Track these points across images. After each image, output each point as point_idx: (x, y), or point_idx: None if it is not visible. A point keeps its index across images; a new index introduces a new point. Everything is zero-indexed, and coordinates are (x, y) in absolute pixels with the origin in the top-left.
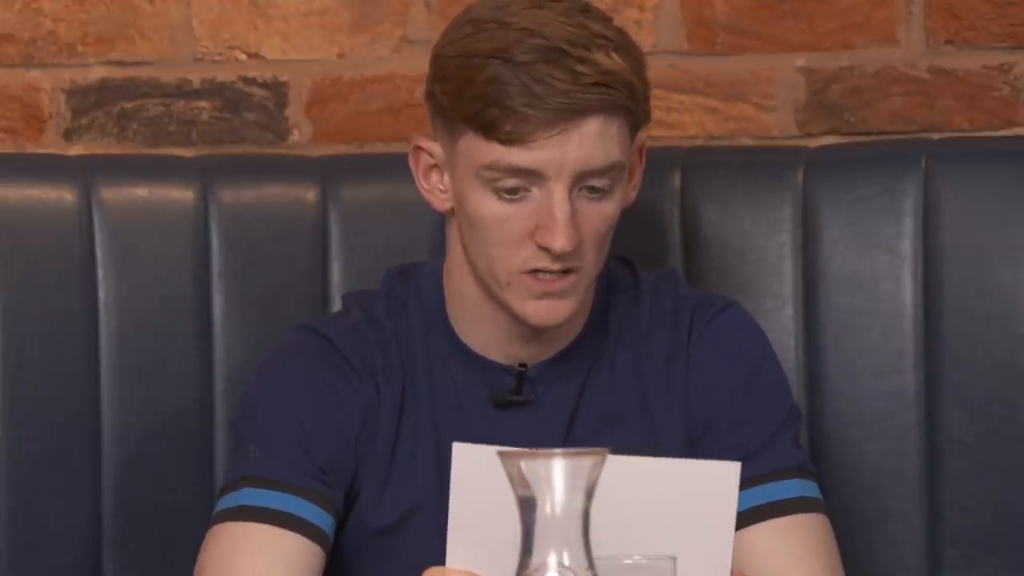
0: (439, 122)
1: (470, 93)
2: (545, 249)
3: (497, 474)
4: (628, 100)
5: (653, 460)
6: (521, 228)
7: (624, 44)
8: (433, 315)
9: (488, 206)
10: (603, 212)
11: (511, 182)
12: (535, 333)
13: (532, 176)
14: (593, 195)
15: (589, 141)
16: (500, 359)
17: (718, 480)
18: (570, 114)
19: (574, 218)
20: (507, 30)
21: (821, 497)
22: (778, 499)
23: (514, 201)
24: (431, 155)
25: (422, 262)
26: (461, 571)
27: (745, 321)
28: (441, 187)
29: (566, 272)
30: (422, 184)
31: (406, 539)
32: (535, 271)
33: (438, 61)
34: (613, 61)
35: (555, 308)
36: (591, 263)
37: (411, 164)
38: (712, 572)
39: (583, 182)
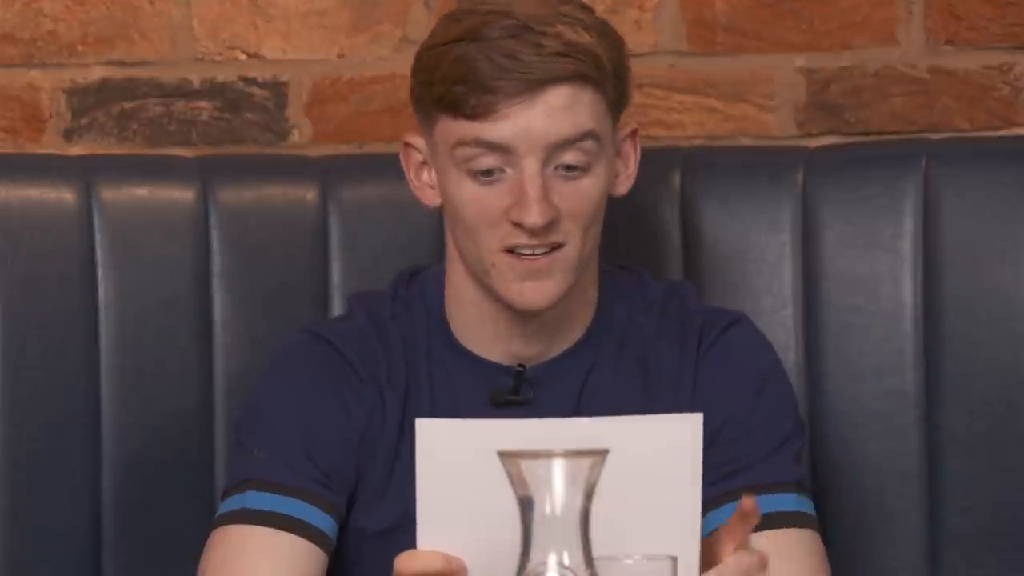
0: (419, 115)
1: (439, 76)
2: (519, 225)
3: (462, 448)
4: (595, 71)
5: (614, 419)
6: (496, 208)
7: (597, 25)
8: (434, 317)
9: (464, 189)
10: (583, 191)
11: (484, 162)
12: (532, 328)
13: (503, 152)
14: (570, 173)
15: (557, 112)
16: (499, 359)
17: (680, 434)
18: (533, 84)
19: (548, 195)
20: (478, 15)
21: (815, 515)
22: (774, 511)
23: (489, 183)
24: (418, 151)
25: (431, 264)
26: (431, 552)
27: (753, 336)
28: (430, 183)
29: (548, 251)
30: (413, 181)
31: (407, 541)
32: (513, 250)
33: (417, 58)
34: (579, 35)
35: (539, 289)
36: (576, 242)
37: (403, 162)
38: (681, 526)
39: (557, 158)
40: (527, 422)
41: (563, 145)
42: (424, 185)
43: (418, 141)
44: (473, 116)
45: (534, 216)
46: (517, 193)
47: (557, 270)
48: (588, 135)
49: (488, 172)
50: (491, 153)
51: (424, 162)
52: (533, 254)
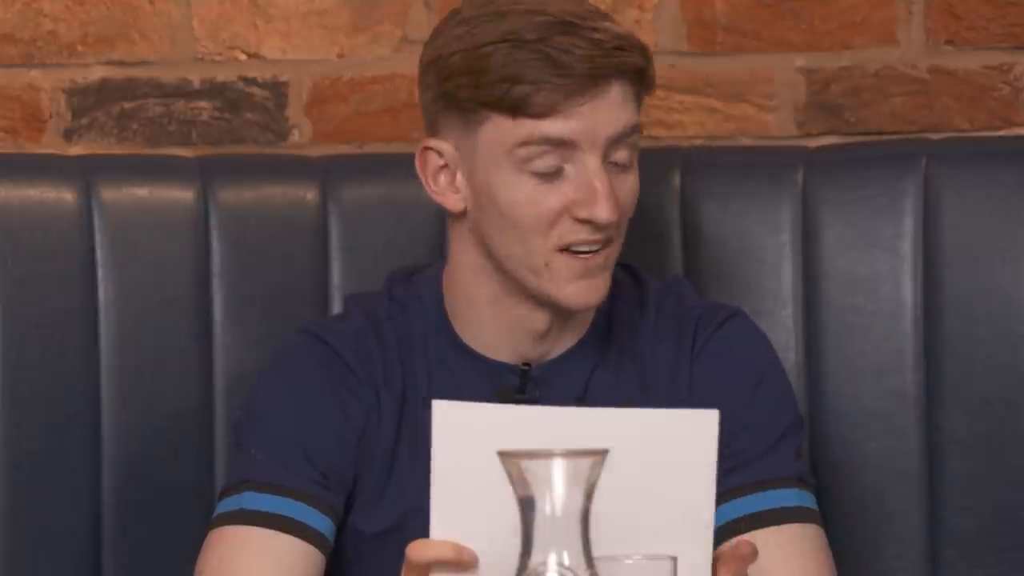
0: (451, 119)
1: (489, 79)
2: (585, 222)
3: (479, 432)
4: (644, 62)
5: (629, 411)
6: (557, 207)
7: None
8: (433, 317)
9: (522, 190)
10: (630, 186)
11: (545, 161)
12: (549, 329)
13: (566, 148)
14: (618, 168)
15: (616, 107)
16: (505, 359)
17: (696, 429)
18: (596, 80)
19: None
20: (507, 17)
21: (818, 509)
22: (776, 507)
23: (548, 182)
24: (441, 155)
25: (425, 265)
26: (443, 541)
27: (750, 331)
28: (454, 188)
29: (601, 247)
30: (431, 187)
31: (406, 541)
32: (570, 248)
33: (439, 63)
34: (621, 27)
35: (592, 287)
36: (620, 239)
37: (419, 167)
38: (694, 522)
39: (611, 154)
40: (544, 409)
41: (618, 140)
42: (445, 190)
43: (441, 145)
44: (538, 114)
45: (606, 212)
46: (584, 188)
47: (607, 267)
48: (635, 128)
49: (547, 172)
50: (554, 151)
51: (444, 166)
52: (589, 251)
